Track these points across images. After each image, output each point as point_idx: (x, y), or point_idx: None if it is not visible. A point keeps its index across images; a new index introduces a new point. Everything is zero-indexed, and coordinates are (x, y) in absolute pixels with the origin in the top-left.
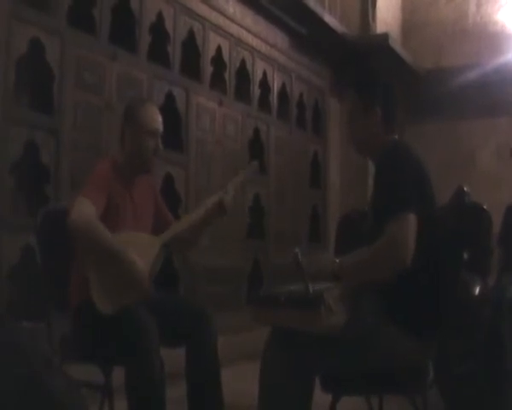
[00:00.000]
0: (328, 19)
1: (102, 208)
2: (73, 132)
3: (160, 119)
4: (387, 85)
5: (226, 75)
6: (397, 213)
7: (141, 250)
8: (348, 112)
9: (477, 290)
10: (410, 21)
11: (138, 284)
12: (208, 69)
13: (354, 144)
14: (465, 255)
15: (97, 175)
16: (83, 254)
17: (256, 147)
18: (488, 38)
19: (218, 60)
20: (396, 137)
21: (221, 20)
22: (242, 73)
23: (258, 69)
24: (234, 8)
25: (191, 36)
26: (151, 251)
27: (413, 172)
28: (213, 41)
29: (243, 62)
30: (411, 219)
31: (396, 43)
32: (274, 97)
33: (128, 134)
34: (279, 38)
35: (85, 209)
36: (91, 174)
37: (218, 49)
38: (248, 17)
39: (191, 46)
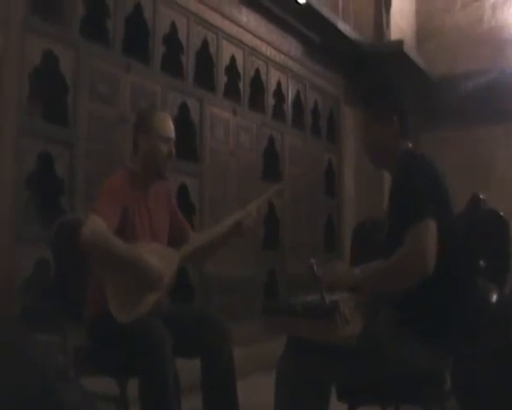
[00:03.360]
0: (342, 26)
1: (116, 223)
2: (88, 144)
3: (172, 126)
4: (402, 91)
5: (240, 85)
6: (416, 221)
7: (160, 260)
8: (362, 123)
9: (494, 298)
10: (425, 27)
11: (154, 282)
12: (222, 79)
13: (369, 157)
14: (481, 263)
15: (109, 188)
16: (98, 267)
17: (271, 156)
18: (504, 42)
19: (231, 69)
20: (410, 145)
21: (235, 30)
22: (256, 83)
23: (272, 78)
24: (247, 18)
25: (205, 46)
26: (170, 263)
27: (430, 181)
28: (227, 50)
29: (257, 72)
30: (431, 226)
31: (410, 49)
32: (288, 106)
33: (141, 141)
34: (293, 46)
35: (95, 225)
36: (103, 187)
37: (232, 59)
38: (262, 26)
39: (204, 56)
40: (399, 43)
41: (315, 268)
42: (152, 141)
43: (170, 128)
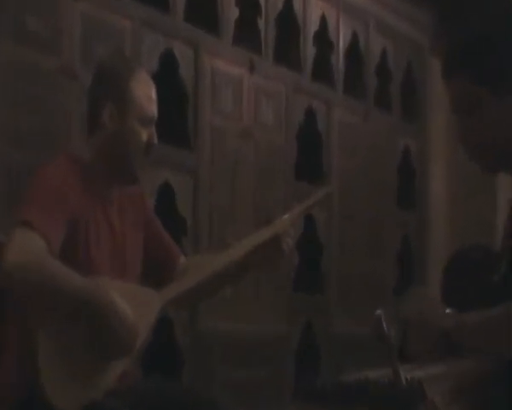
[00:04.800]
0: None
1: (59, 242)
2: None
3: (155, 97)
4: None
5: (260, 22)
6: None
7: (131, 307)
8: (458, 98)
9: None
10: None
11: (128, 340)
12: (231, 13)
13: (480, 156)
14: None
15: (47, 185)
16: (26, 314)
17: (310, 140)
18: None
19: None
20: None
21: None
22: (286, 19)
23: (312, 12)
24: None
25: None
26: (146, 312)
27: None
28: None
29: (287, 1)
30: None
31: None
32: (339, 58)
33: (105, 115)
34: None
35: (25, 245)
36: (35, 183)
37: None
38: None
39: None
40: None
41: (384, 325)
42: (126, 121)
43: (153, 102)
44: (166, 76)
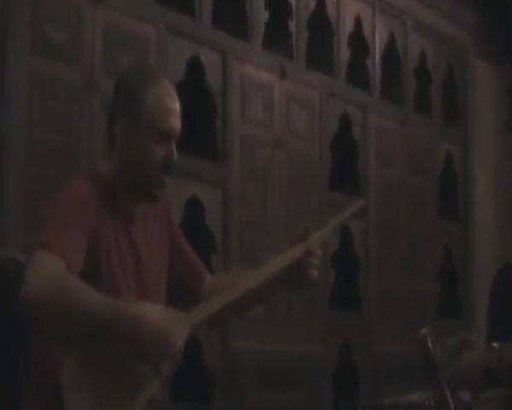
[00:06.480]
0: None
1: (80, 263)
2: None
3: (178, 109)
4: None
5: (291, 25)
6: None
7: None
8: None
9: None
10: None
11: (173, 352)
12: (261, 15)
13: None
14: None
15: (69, 207)
16: (51, 344)
17: (344, 149)
18: None
19: (277, 0)
20: None
21: None
22: (319, 20)
23: (346, 13)
24: None
25: None
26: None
27: None
28: None
29: (320, 2)
30: None
31: None
32: (376, 61)
33: (121, 130)
34: None
35: (48, 268)
36: (56, 205)
37: None
38: None
39: None
40: None
41: (429, 344)
42: (139, 136)
43: (172, 114)
44: (193, 84)
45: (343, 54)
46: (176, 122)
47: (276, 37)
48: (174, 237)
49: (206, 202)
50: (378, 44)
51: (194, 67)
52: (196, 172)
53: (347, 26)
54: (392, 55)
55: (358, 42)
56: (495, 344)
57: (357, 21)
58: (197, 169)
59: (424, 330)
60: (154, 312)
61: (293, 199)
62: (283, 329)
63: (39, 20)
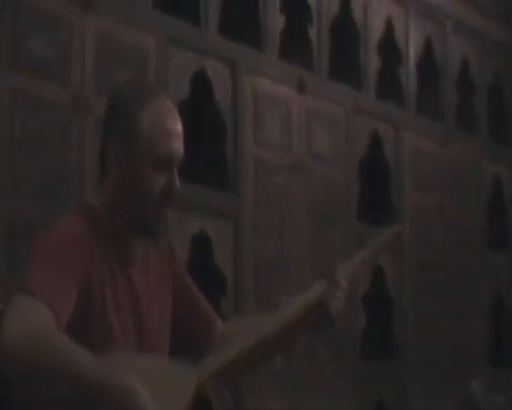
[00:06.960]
0: None
1: (68, 313)
2: None
3: (180, 131)
4: None
5: (312, 31)
6: None
7: (158, 393)
8: None
9: None
10: None
11: None
12: (276, 21)
13: None
14: None
15: (53, 249)
16: (29, 400)
17: (374, 172)
18: None
19: (293, 5)
20: None
21: None
22: (343, 25)
23: (375, 15)
24: None
25: None
26: (178, 395)
27: None
28: None
29: (344, 4)
30: None
31: None
32: (409, 70)
33: (114, 156)
34: None
35: (30, 318)
36: (43, 245)
37: None
38: None
39: None
40: None
41: (478, 399)
42: (133, 163)
43: (173, 136)
44: (199, 102)
45: (372, 63)
46: (177, 146)
47: (294, 45)
48: (179, 279)
49: (215, 237)
50: (412, 51)
51: (200, 83)
52: (203, 204)
53: (376, 31)
54: (428, 63)
55: (389, 48)
56: None
57: (388, 25)
58: (204, 200)
59: (474, 385)
60: (142, 392)
61: (315, 232)
62: (305, 383)
63: (21, 32)
